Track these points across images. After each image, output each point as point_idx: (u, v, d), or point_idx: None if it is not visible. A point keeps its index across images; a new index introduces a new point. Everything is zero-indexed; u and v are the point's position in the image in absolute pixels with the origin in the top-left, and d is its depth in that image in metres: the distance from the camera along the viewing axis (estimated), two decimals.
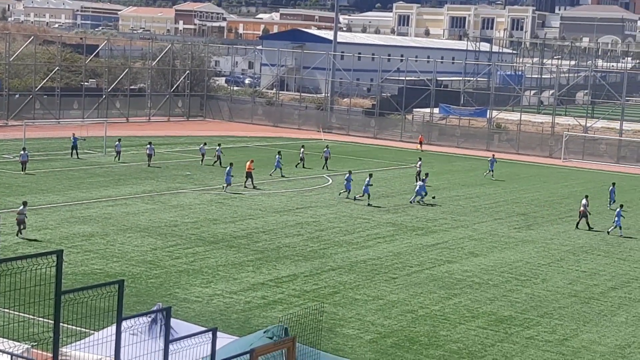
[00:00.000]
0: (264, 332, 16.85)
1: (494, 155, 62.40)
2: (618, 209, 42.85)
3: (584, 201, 44.21)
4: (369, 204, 46.48)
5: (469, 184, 56.84)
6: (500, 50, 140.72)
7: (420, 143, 75.40)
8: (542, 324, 27.49)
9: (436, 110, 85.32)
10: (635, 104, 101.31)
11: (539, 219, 45.97)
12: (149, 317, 16.39)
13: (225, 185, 48.27)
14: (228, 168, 48.79)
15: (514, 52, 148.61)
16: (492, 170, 59.37)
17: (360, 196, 47.51)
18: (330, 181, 54.40)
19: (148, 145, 56.29)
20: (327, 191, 50.70)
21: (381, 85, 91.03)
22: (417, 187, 48.25)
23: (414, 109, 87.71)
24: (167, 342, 13.34)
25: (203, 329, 15.24)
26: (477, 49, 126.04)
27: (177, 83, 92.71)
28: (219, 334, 14.50)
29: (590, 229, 43.38)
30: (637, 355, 25.09)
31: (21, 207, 34.61)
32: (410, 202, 47.81)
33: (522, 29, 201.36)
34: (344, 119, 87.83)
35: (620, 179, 64.06)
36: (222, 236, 37.18)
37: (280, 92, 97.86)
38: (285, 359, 15.77)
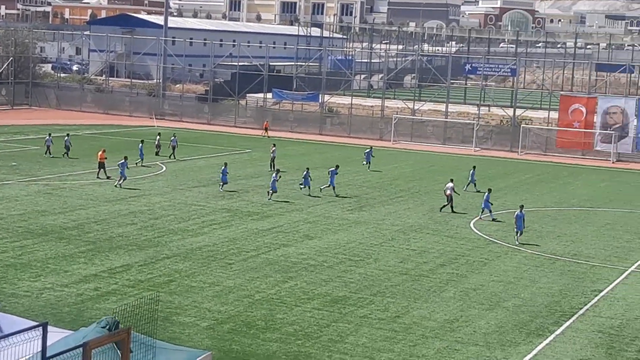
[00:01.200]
0: (97, 324, 16.52)
1: (371, 147, 60.96)
2: (486, 194, 43.28)
3: (450, 184, 45.25)
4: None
5: (303, 167, 57.38)
6: (331, 35, 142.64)
7: (266, 129, 75.51)
8: (375, 303, 28.24)
9: (269, 95, 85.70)
10: (459, 87, 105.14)
11: (370, 200, 47.06)
12: None
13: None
14: (223, 168, 47.57)
15: (344, 37, 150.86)
16: (369, 162, 58.19)
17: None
18: (164, 169, 53.75)
19: None
20: (160, 179, 50.07)
21: (214, 71, 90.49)
22: (330, 178, 47.77)
23: (248, 94, 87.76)
24: None
25: (33, 323, 14.77)
26: (309, 34, 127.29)
27: (0, 70, 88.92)
28: (50, 328, 14.09)
29: (441, 209, 44.41)
30: (465, 328, 26.19)
31: None
32: (321, 189, 47.52)
33: (351, 14, 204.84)
34: (177, 105, 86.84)
35: (446, 159, 66.50)
36: (51, 228, 36.09)
37: (110, 78, 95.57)
38: (120, 350, 15.52)
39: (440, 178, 56.13)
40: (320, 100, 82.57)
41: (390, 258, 34.49)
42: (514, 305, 28.78)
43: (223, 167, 47.53)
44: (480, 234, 39.88)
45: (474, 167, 52.92)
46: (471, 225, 41.72)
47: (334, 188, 47.46)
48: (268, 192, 45.49)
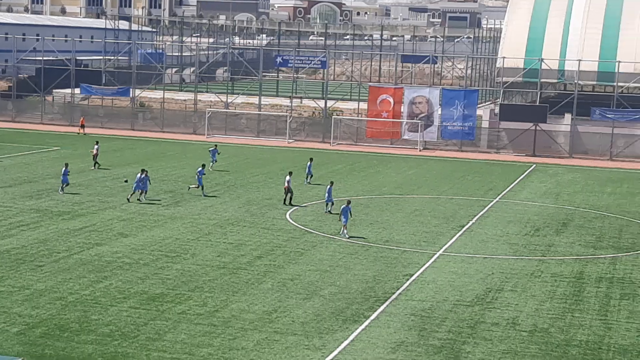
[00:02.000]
0: None
1: (216, 146, 58.50)
2: (329, 187, 43.17)
3: (287, 177, 45.20)
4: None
5: (115, 164, 56.21)
6: (140, 29, 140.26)
7: (82, 126, 73.20)
8: (194, 298, 28.03)
9: (77, 90, 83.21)
10: (272, 79, 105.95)
11: (186, 195, 46.61)
12: None
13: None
14: (64, 169, 45.02)
15: (154, 30, 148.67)
16: (215, 161, 55.81)
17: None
18: None
19: None
20: None
21: (17, 66, 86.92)
22: (197, 177, 46.53)
23: (54, 90, 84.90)
24: None
25: None
26: (116, 28, 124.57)
27: None
28: None
29: (291, 205, 44.35)
30: (284, 318, 26.43)
31: None
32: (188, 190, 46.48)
33: (160, 7, 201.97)
34: None
35: (260, 151, 66.88)
36: None
37: None
38: None
39: (255, 170, 56.45)
40: (131, 95, 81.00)
41: (207, 252, 34.32)
42: (330, 293, 29.33)
43: (64, 168, 45.63)
44: (296, 224, 40.36)
45: (311, 159, 53.37)
46: (287, 216, 42.15)
47: (202, 188, 46.52)
48: (128, 198, 43.91)
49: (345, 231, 38.02)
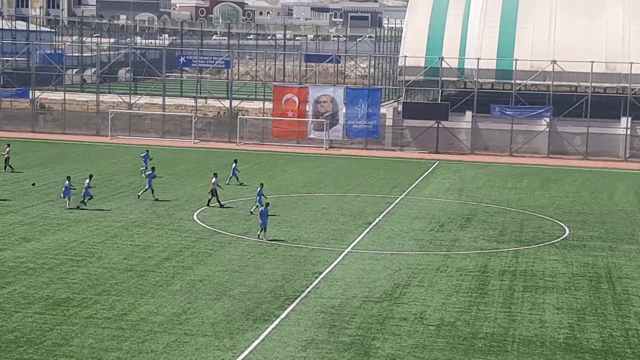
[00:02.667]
0: None
1: (147, 151, 56.24)
2: (259, 188, 42.63)
3: (213, 179, 44.68)
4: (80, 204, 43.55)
5: (16, 167, 54.85)
6: (39, 29, 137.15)
7: None
8: (101, 302, 27.62)
9: None
10: (175, 80, 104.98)
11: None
12: None
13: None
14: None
15: (53, 30, 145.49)
16: (146, 167, 53.02)
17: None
18: None
19: None
20: None
21: None
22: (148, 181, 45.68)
23: None
24: None
25: None
26: (14, 28, 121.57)
27: None
28: None
29: (208, 205, 44.11)
30: (193, 320, 26.28)
31: None
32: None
33: (59, 7, 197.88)
34: None
35: (166, 152, 66.21)
36: None
37: None
38: None
39: (161, 172, 55.81)
40: (30, 97, 79.19)
41: (114, 255, 33.85)
42: (240, 293, 29.29)
43: None
44: (204, 225, 40.14)
45: (235, 160, 53.03)
46: (195, 217, 41.89)
47: (152, 191, 45.68)
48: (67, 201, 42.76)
49: (264, 234, 37.49)
